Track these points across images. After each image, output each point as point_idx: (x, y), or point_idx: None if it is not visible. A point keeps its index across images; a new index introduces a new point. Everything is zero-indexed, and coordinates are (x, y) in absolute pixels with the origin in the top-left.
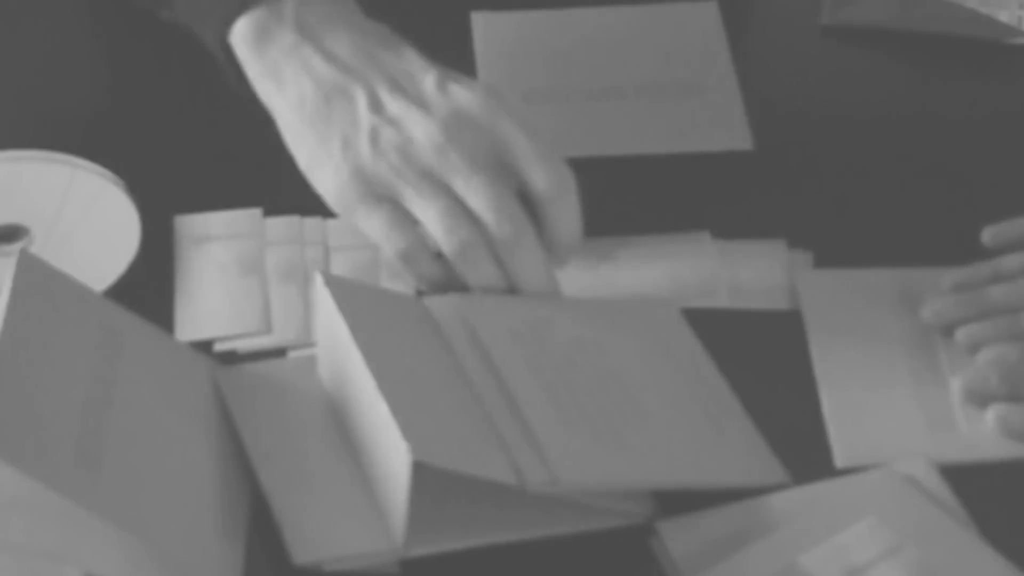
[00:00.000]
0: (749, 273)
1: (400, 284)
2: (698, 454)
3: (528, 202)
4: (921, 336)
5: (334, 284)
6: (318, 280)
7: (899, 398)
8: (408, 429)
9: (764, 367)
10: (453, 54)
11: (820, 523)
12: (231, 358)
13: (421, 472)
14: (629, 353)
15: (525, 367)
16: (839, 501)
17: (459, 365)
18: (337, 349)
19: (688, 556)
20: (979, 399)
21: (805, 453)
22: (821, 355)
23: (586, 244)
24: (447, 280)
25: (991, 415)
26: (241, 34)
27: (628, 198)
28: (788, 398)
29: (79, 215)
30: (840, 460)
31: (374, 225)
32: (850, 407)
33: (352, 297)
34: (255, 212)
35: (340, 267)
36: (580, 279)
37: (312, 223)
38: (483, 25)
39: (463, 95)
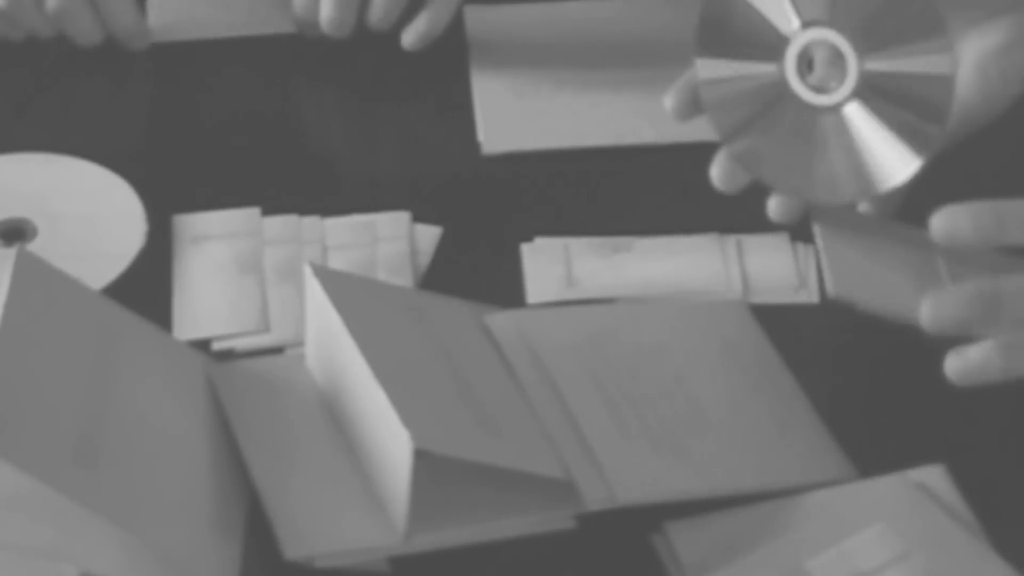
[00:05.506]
0: (758, 268)
1: (398, 281)
2: (760, 458)
3: None
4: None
5: (323, 275)
6: (307, 271)
7: (894, 255)
8: (408, 417)
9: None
10: (446, 47)
11: (829, 528)
12: (229, 357)
13: (422, 461)
14: (693, 356)
15: (585, 382)
16: (849, 507)
17: (519, 381)
18: (329, 341)
19: (695, 557)
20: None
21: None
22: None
23: (601, 238)
24: None
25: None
26: None
27: (622, 188)
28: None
29: (85, 211)
30: (832, 289)
31: None
32: (845, 246)
33: (343, 288)
34: (253, 211)
35: (338, 266)
36: (595, 268)
37: (310, 222)
38: (475, 18)
39: None
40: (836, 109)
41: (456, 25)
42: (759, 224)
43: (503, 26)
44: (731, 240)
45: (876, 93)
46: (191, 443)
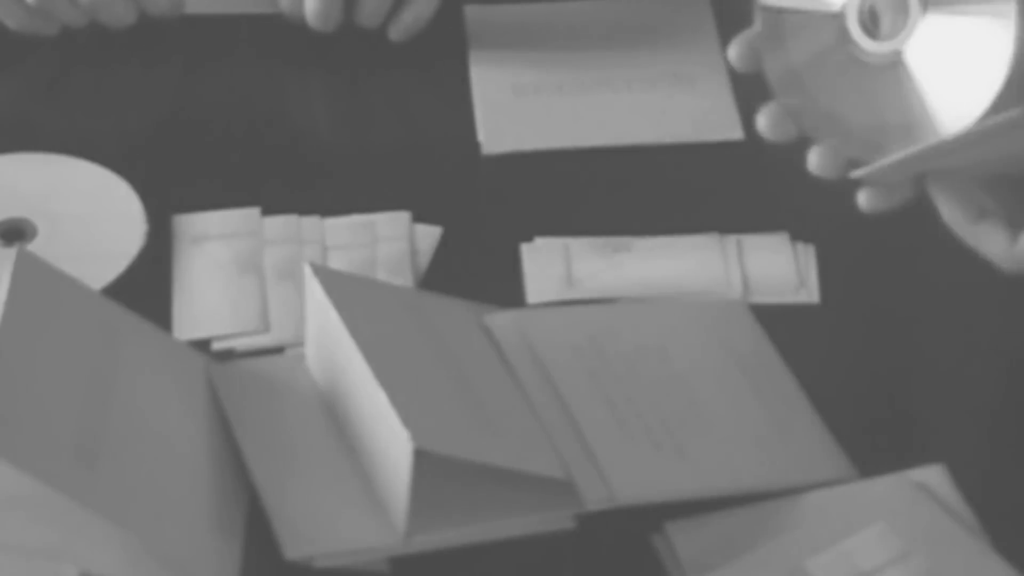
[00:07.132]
0: (758, 268)
1: (398, 281)
2: (760, 457)
3: None
4: None
5: (323, 275)
6: (307, 271)
7: None
8: (408, 417)
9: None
10: (446, 47)
11: (829, 528)
12: (229, 357)
13: (422, 461)
14: (693, 356)
15: (585, 382)
16: (849, 506)
17: (519, 381)
18: (329, 341)
19: (694, 557)
20: None
21: None
22: None
23: (601, 238)
24: None
25: None
26: None
27: (622, 188)
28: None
29: (85, 211)
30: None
31: None
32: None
33: (343, 288)
34: (253, 211)
35: (338, 266)
36: (595, 268)
37: (310, 222)
38: (476, 18)
39: None
40: (894, 59)
41: (456, 25)
42: (759, 224)
43: (503, 26)
44: (731, 240)
45: (936, 44)
46: (191, 443)
